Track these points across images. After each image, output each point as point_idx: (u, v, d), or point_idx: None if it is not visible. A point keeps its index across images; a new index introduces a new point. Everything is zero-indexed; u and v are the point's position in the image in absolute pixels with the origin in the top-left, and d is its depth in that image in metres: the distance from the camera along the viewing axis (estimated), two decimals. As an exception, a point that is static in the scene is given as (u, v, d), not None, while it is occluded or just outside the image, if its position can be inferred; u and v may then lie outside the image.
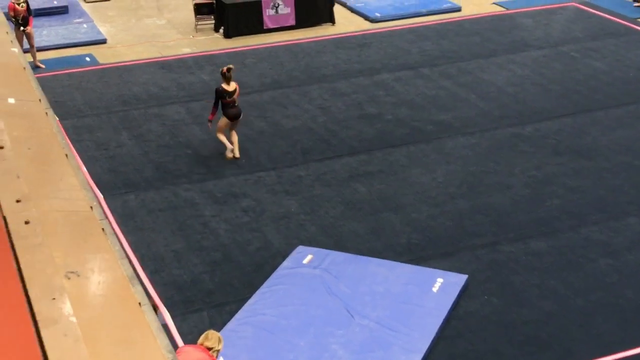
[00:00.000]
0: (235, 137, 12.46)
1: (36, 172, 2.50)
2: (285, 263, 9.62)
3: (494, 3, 19.78)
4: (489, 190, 11.39)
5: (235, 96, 12.22)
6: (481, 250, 10.01)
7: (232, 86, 12.20)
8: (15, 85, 3.11)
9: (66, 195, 2.30)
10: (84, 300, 1.97)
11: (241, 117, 12.42)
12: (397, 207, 10.98)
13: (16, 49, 3.78)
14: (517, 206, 10.99)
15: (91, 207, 2.51)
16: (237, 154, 12.40)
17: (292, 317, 8.66)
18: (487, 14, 18.96)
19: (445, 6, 19.37)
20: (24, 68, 3.73)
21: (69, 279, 1.96)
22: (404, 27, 18.21)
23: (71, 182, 2.41)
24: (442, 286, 9.14)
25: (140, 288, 2.23)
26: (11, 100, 2.69)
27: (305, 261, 9.61)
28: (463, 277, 9.31)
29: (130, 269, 2.23)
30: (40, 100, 3.32)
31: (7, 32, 3.98)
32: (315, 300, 8.92)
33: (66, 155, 2.86)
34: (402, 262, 9.69)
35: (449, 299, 8.94)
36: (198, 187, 11.64)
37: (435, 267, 9.57)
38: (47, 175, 2.48)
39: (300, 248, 9.89)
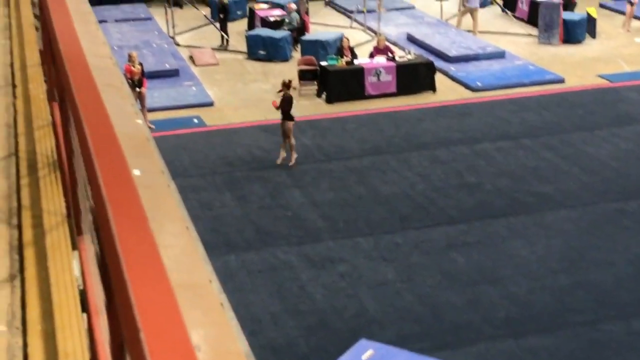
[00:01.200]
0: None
1: (159, 244, 2.65)
2: (343, 357, 9.46)
3: (598, 75, 19.57)
4: (591, 267, 11.16)
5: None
6: (581, 328, 9.79)
7: (288, 93, 14.84)
8: (141, 156, 3.31)
9: (185, 267, 2.46)
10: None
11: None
12: (496, 280, 10.87)
13: (141, 121, 4.02)
14: (620, 284, 10.72)
15: (210, 281, 2.67)
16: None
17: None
18: (591, 87, 18.78)
19: (548, 77, 19.28)
20: (148, 139, 3.96)
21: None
22: (506, 97, 18.19)
23: (192, 256, 2.58)
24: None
25: (256, 365, 2.35)
26: (137, 172, 2.87)
27: (364, 357, 9.47)
28: None
29: (247, 345, 2.38)
30: (163, 172, 3.53)
31: (132, 105, 4.24)
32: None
33: (187, 227, 3.05)
34: (499, 336, 9.56)
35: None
36: (296, 250, 11.82)
37: (534, 344, 9.40)
38: (168, 247, 2.65)
39: (363, 342, 9.70)
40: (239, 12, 24.99)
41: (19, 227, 3.56)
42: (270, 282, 10.96)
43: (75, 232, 3.06)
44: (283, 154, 14.77)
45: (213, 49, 21.88)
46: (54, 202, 3.74)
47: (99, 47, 4.71)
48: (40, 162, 4.17)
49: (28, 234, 3.48)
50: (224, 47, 22.24)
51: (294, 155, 14.72)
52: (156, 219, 3.38)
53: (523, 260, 11.37)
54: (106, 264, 1.46)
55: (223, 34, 22.35)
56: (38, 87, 5.21)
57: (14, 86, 5.29)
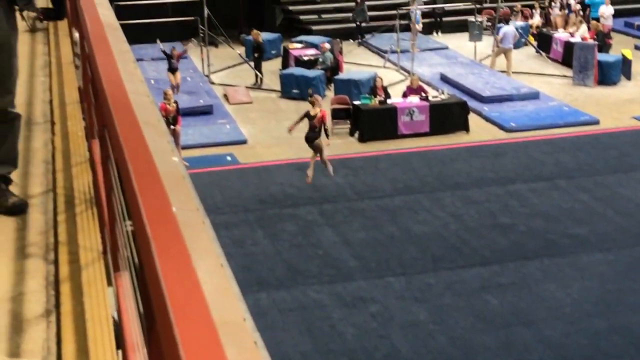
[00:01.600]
0: (322, 157, 15.09)
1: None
2: None
3: (633, 117, 19.42)
4: (627, 310, 10.98)
5: (315, 120, 14.84)
6: (618, 373, 9.61)
7: (315, 110, 14.93)
8: (177, 194, 3.32)
9: (219, 305, 2.44)
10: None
11: (314, 143, 14.94)
12: (530, 322, 10.72)
13: (177, 158, 4.03)
14: (657, 329, 10.53)
15: (244, 319, 2.64)
16: (330, 172, 15.27)
17: None
18: (626, 128, 18.63)
19: (582, 119, 19.17)
20: (184, 177, 3.95)
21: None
22: (540, 138, 18.11)
23: (225, 292, 2.56)
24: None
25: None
26: (173, 209, 2.89)
27: None
28: None
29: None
30: (198, 209, 3.52)
31: (168, 142, 4.25)
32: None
33: (221, 264, 3.02)
34: (533, 380, 9.40)
35: None
36: (327, 288, 11.76)
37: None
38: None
39: None
40: (273, 52, 25.23)
41: (56, 262, 3.59)
42: (301, 321, 10.91)
43: (112, 268, 3.08)
44: (312, 172, 15.32)
45: (247, 87, 22.08)
46: (90, 238, 3.76)
47: (137, 85, 4.77)
48: (78, 198, 4.21)
49: (64, 270, 3.50)
50: (258, 85, 22.44)
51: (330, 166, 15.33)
52: (191, 256, 3.40)
53: (558, 302, 11.21)
54: (149, 300, 1.45)
55: (257, 72, 22.56)
56: (76, 124, 5.28)
57: (52, 123, 5.36)
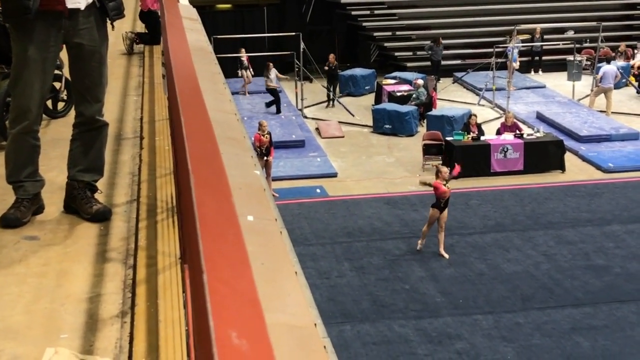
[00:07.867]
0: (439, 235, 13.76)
1: (266, 286, 2.66)
2: None
3: None
4: None
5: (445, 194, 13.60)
6: None
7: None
8: (255, 204, 3.33)
9: (292, 310, 2.42)
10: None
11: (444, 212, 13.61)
12: (623, 367, 10.30)
13: (258, 172, 4.06)
14: None
15: (315, 324, 2.61)
16: (442, 253, 13.67)
17: None
18: None
19: (685, 160, 18.49)
20: (264, 189, 3.98)
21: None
22: (639, 179, 17.52)
23: (298, 299, 2.54)
24: None
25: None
26: (250, 218, 2.89)
27: None
28: None
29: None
30: (276, 219, 3.53)
31: (251, 157, 4.31)
32: None
33: (295, 272, 3.01)
34: None
35: None
36: (413, 323, 11.58)
37: None
38: (276, 290, 2.65)
39: None
40: (367, 87, 25.33)
41: (134, 267, 3.63)
42: (385, 355, 10.75)
43: (182, 264, 3.09)
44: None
45: (340, 122, 22.18)
46: (169, 244, 3.80)
47: (224, 104, 4.83)
48: (160, 207, 4.27)
49: (142, 274, 3.54)
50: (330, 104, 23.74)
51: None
52: (266, 263, 3.38)
53: (654, 348, 10.74)
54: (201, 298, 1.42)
55: (330, 93, 23.55)
56: (164, 139, 5.38)
57: (141, 138, 5.48)
